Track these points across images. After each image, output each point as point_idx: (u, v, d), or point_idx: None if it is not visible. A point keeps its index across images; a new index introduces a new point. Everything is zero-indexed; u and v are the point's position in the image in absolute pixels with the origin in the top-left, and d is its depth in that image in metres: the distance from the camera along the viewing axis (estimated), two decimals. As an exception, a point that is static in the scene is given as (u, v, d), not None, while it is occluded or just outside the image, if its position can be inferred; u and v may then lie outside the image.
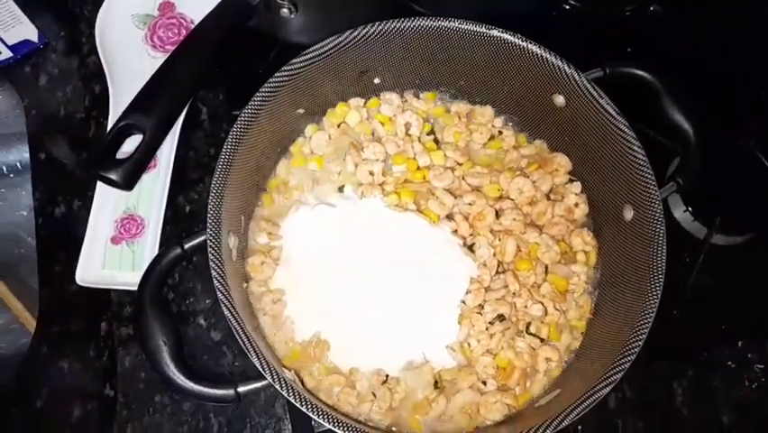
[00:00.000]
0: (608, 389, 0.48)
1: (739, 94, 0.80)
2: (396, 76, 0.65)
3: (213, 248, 0.48)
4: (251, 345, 0.45)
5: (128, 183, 0.51)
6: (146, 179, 0.72)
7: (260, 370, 0.45)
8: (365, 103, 0.66)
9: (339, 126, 0.66)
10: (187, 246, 0.50)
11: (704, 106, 0.75)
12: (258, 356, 0.45)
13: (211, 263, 0.47)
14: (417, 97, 0.67)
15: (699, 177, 0.61)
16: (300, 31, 0.71)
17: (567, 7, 0.86)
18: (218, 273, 0.47)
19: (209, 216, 0.48)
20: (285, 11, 0.65)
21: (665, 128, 0.59)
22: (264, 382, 0.47)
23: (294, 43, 0.59)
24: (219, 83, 0.77)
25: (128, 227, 0.70)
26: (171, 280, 0.67)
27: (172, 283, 0.67)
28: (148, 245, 0.68)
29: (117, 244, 0.69)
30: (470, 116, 0.67)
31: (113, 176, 0.50)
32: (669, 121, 0.57)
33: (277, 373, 0.45)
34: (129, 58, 0.78)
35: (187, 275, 0.68)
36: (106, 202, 0.69)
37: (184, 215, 0.71)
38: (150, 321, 0.48)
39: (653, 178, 0.53)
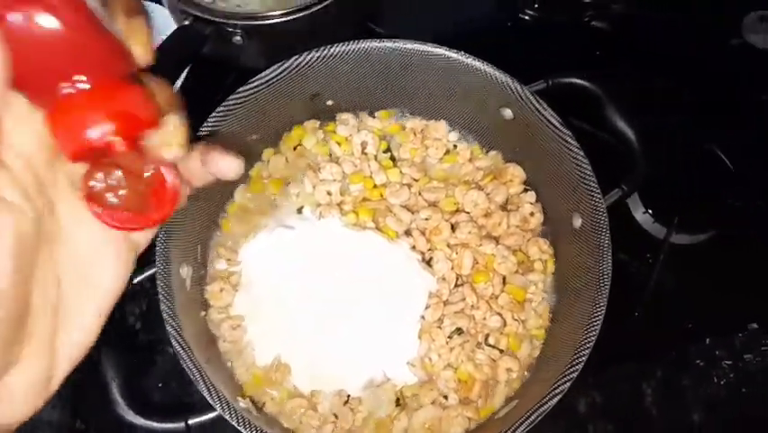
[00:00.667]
0: (557, 398, 0.49)
1: (697, 93, 0.81)
2: (348, 97, 0.66)
3: (162, 281, 0.48)
4: (201, 375, 0.46)
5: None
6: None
7: (210, 401, 0.46)
8: (321, 125, 0.67)
9: (295, 149, 0.67)
10: (135, 281, 0.51)
11: (659, 107, 0.78)
12: (207, 387, 0.46)
13: (160, 296, 0.48)
14: (372, 116, 0.68)
15: (650, 180, 0.63)
16: (256, 56, 0.72)
17: (526, 18, 0.88)
18: (166, 306, 0.48)
19: (157, 250, 0.49)
20: (237, 38, 0.66)
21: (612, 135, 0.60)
22: (216, 414, 0.48)
23: (251, 68, 0.60)
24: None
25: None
26: (139, 309, 0.68)
27: (140, 312, 0.68)
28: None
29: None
30: (424, 132, 0.68)
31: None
32: (612, 128, 0.58)
33: (228, 404, 0.46)
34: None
35: (156, 304, 0.68)
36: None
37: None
38: (102, 360, 0.49)
39: (596, 187, 0.54)
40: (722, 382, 0.69)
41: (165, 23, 0.76)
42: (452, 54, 0.59)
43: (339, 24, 0.73)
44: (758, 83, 0.83)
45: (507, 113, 0.61)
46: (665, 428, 0.67)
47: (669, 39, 0.85)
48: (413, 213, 0.63)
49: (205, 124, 0.55)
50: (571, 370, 0.50)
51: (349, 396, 0.57)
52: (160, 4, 0.77)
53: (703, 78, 0.82)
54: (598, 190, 0.54)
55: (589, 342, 0.50)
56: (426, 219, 0.63)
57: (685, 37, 0.85)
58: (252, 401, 0.54)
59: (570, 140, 0.56)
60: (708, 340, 0.70)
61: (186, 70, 0.73)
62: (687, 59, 0.84)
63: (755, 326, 0.71)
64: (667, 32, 0.85)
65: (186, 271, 0.55)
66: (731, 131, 0.78)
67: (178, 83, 0.75)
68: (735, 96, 0.81)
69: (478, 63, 0.59)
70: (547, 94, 0.58)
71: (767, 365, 0.70)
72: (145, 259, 0.68)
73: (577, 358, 0.51)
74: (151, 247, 0.59)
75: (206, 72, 0.73)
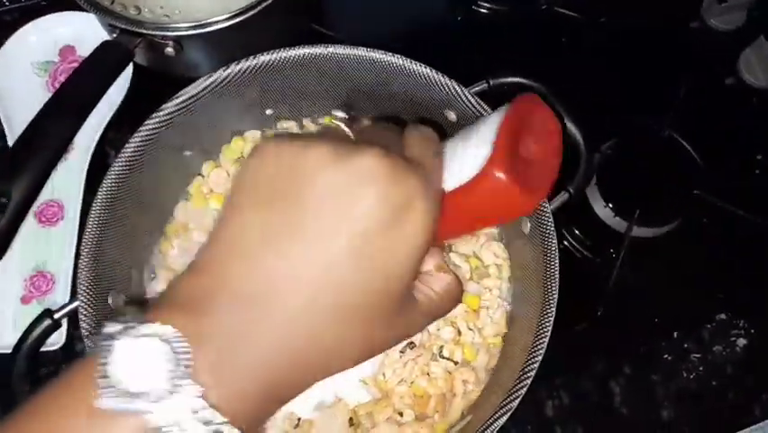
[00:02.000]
0: (507, 415, 0.47)
1: (654, 81, 0.80)
2: (288, 104, 0.63)
3: (86, 315, 0.46)
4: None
5: (-2, 252, 0.49)
6: (54, 231, 0.70)
7: None
8: (262, 135, 0.65)
9: (237, 161, 0.64)
10: (57, 316, 0.48)
11: (619, 98, 0.76)
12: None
13: (83, 332, 0.45)
14: (316, 123, 0.66)
15: (611, 173, 0.60)
16: (195, 66, 0.69)
17: (482, 11, 0.85)
18: (91, 341, 0.45)
19: (79, 282, 0.46)
20: (169, 50, 0.63)
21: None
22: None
23: (190, 78, 0.57)
24: (128, 124, 0.75)
25: (38, 285, 0.68)
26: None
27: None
28: (59, 300, 0.66)
29: (28, 303, 0.67)
30: (371, 137, 0.66)
31: (-24, 248, 0.48)
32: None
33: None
34: (30, 108, 0.74)
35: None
36: (11, 262, 0.67)
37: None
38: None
39: (542, 190, 0.52)
40: (692, 376, 0.67)
41: (104, 33, 0.73)
42: (392, 58, 0.57)
43: (279, 30, 0.71)
44: (720, 67, 0.82)
45: (452, 116, 0.58)
46: (635, 425, 0.66)
47: (625, 24, 0.83)
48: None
49: (129, 144, 0.52)
50: (524, 377, 0.48)
51: (300, 419, 0.55)
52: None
53: (663, 63, 0.81)
54: (545, 193, 0.52)
55: (539, 347, 0.48)
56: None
57: (642, 23, 0.83)
58: None
59: (514, 141, 0.53)
60: (675, 334, 0.69)
61: (127, 81, 0.71)
62: (646, 44, 0.82)
63: (723, 316, 0.70)
64: (622, 18, 0.83)
65: (119, 300, 0.52)
66: (694, 117, 0.77)
67: (121, 94, 0.72)
68: (697, 81, 0.80)
69: (418, 67, 0.56)
70: (490, 95, 0.56)
71: (736, 355, 0.68)
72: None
73: (529, 365, 0.49)
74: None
75: (151, 82, 0.70)
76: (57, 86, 0.78)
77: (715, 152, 0.73)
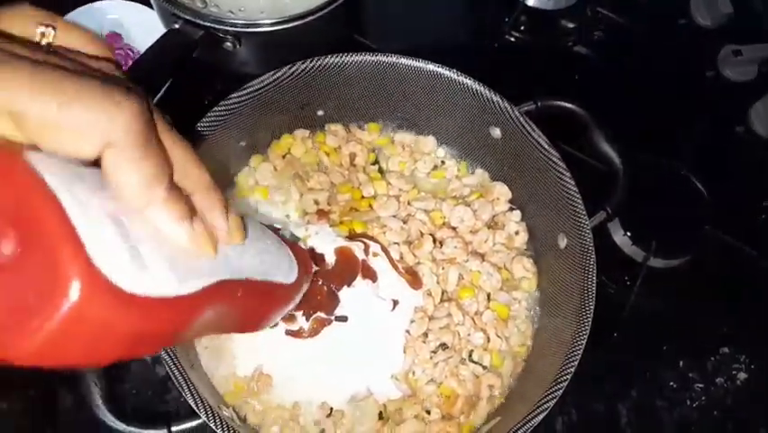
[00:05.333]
0: (542, 416, 0.49)
1: (671, 122, 0.84)
2: (339, 108, 0.66)
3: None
4: (186, 382, 0.45)
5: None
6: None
7: (195, 408, 0.45)
8: (310, 134, 0.67)
9: (284, 157, 0.66)
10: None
11: (638, 134, 0.80)
12: (192, 394, 0.44)
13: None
14: (362, 129, 0.68)
15: (630, 204, 0.64)
16: (246, 62, 0.72)
17: (512, 39, 0.89)
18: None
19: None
20: (228, 44, 0.66)
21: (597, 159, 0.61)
22: (199, 421, 0.46)
23: (241, 74, 0.60)
24: (167, 114, 0.76)
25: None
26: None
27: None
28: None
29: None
30: (413, 147, 0.68)
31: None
32: (597, 151, 0.59)
33: (212, 411, 0.45)
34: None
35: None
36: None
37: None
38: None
39: (582, 208, 0.55)
40: (694, 405, 0.70)
41: (154, 25, 0.75)
42: (445, 71, 0.60)
43: (326, 35, 0.73)
44: (732, 115, 0.87)
45: (496, 132, 0.62)
46: (639, 449, 0.68)
47: (646, 68, 0.87)
48: (404, 223, 0.63)
49: (197, 128, 0.54)
50: (556, 388, 0.50)
51: (332, 409, 0.56)
52: (150, 6, 0.76)
53: (680, 107, 0.85)
54: (584, 212, 0.55)
55: (573, 360, 0.51)
56: (423, 223, 0.63)
57: (662, 69, 0.88)
58: (235, 411, 0.53)
59: (557, 161, 0.57)
60: (681, 363, 0.72)
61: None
62: (664, 88, 0.87)
63: (726, 349, 0.73)
64: (644, 62, 0.88)
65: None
66: (706, 159, 0.81)
67: (166, 87, 0.74)
68: (710, 126, 0.84)
69: (469, 81, 0.60)
70: (535, 115, 0.59)
71: (736, 388, 0.71)
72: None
73: (561, 376, 0.51)
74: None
75: (196, 77, 0.72)
76: (100, 70, 0.80)
77: (724, 194, 0.77)
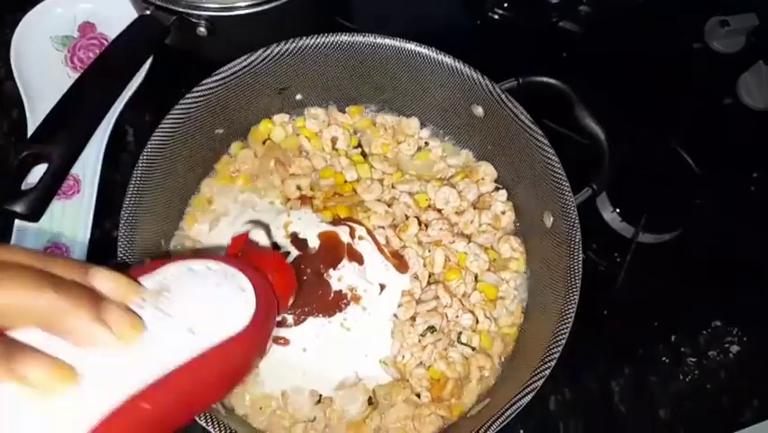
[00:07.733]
0: (530, 396, 0.48)
1: (659, 96, 0.83)
2: (318, 91, 0.65)
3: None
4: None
5: (34, 215, 0.49)
6: (69, 205, 0.69)
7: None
8: (290, 119, 0.66)
9: (264, 143, 0.65)
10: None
11: (626, 109, 0.79)
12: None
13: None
14: (343, 111, 0.67)
15: (619, 180, 0.63)
16: (221, 48, 0.69)
17: (495, 17, 0.88)
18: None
19: (119, 245, 0.47)
20: (202, 29, 0.64)
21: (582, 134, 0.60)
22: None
23: (216, 60, 0.58)
24: (145, 103, 0.75)
25: (51, 257, 0.67)
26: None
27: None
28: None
29: (40, 275, 0.66)
30: (396, 129, 0.67)
31: (17, 208, 0.48)
32: (582, 127, 0.58)
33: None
34: (48, 81, 0.75)
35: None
36: (27, 233, 0.67)
37: (111, 239, 0.68)
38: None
39: (567, 184, 0.54)
40: (687, 379, 0.70)
41: (129, 14, 0.73)
42: (424, 50, 0.59)
43: (307, 18, 0.72)
44: (721, 87, 0.86)
45: (479, 110, 0.60)
46: (633, 424, 0.68)
47: (633, 42, 0.86)
48: (389, 207, 0.62)
49: (168, 117, 0.53)
50: (544, 367, 0.50)
51: (321, 396, 0.55)
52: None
53: (668, 81, 0.84)
54: (569, 189, 0.54)
55: (560, 339, 0.50)
56: (407, 206, 0.62)
57: (649, 42, 0.86)
58: (221, 402, 0.52)
59: (541, 138, 0.56)
60: (673, 338, 0.71)
61: (149, 61, 0.71)
62: (652, 61, 0.85)
63: (719, 323, 0.72)
64: (631, 36, 0.86)
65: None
66: (695, 133, 0.80)
67: (141, 74, 0.72)
68: (699, 99, 0.83)
69: (449, 60, 0.58)
70: (518, 92, 0.58)
71: (729, 361, 0.71)
72: (107, 254, 0.66)
73: (549, 355, 0.51)
74: (114, 242, 0.58)
75: (170, 63, 0.70)
76: (75, 61, 0.78)
77: (714, 167, 0.76)
